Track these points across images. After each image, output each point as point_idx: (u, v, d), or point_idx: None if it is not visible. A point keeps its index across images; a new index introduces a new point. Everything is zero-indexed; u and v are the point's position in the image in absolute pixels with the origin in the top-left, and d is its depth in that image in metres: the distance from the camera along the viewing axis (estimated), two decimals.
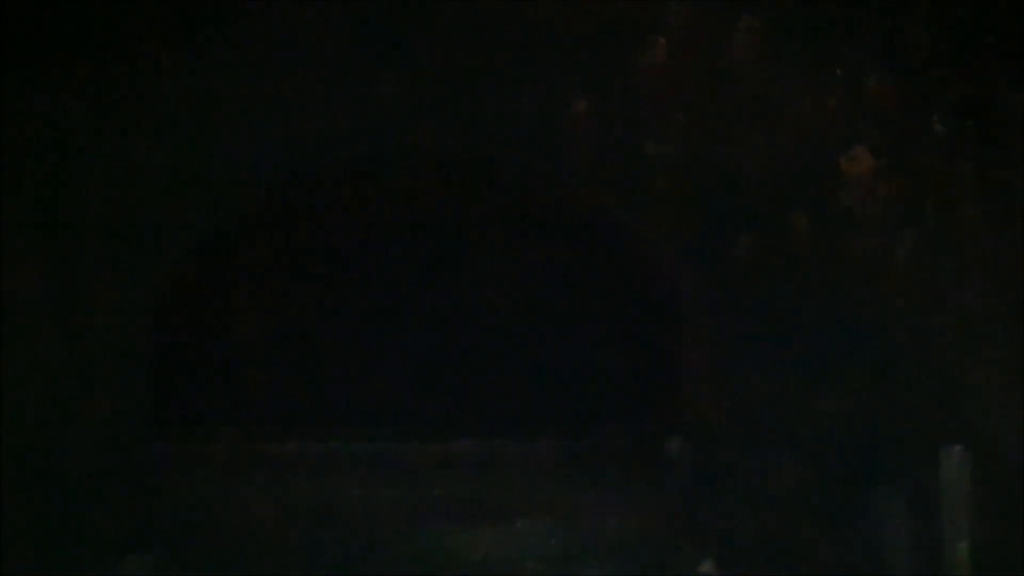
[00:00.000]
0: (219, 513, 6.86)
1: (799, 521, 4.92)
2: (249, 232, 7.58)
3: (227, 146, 6.08)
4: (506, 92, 5.42)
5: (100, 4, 4.43)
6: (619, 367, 7.85)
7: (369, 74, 5.19)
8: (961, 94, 3.18)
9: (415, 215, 7.86)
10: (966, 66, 3.14)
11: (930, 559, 3.62)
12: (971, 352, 3.40)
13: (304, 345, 7.96)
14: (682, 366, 7.10)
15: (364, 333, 7.97)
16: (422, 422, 7.82)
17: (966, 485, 3.45)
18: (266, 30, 4.53)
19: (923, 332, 3.69)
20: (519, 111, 5.54)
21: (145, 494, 6.61)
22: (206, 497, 6.93)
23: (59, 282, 5.30)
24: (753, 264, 5.39)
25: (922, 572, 3.74)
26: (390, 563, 6.57)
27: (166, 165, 5.54)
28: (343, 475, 7.39)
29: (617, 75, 5.03)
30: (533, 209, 7.61)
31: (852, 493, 4.26)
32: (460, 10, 5.17)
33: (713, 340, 6.40)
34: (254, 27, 4.44)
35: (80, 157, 5.02)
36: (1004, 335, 3.19)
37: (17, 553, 4.78)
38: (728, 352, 6.09)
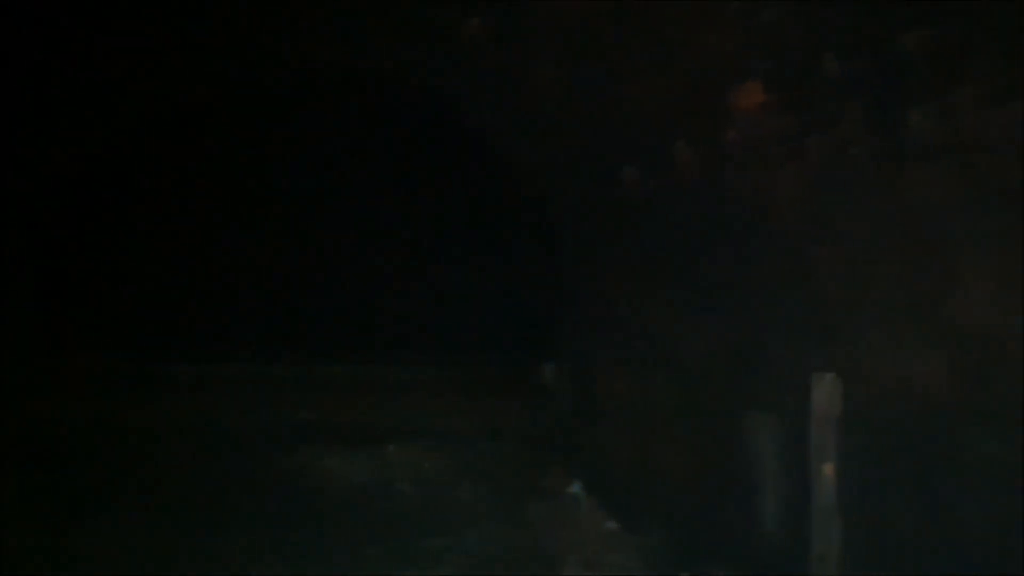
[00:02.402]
0: (99, 431, 6.60)
1: (672, 444, 5.09)
2: (141, 154, 7.16)
3: (124, 69, 5.65)
4: (398, 8, 5.23)
5: None
6: (498, 294, 7.90)
7: None
8: (856, 32, 3.25)
9: (304, 138, 7.59)
10: (863, 3, 3.20)
11: (798, 478, 3.80)
12: (849, 285, 3.54)
13: (186, 268, 7.67)
14: (561, 294, 7.21)
15: (244, 257, 7.73)
16: (298, 346, 7.70)
17: (836, 411, 3.64)
18: None
19: (804, 265, 3.81)
20: (410, 27, 5.38)
21: (24, 411, 6.27)
22: (86, 415, 6.65)
23: None
24: (635, 194, 5.45)
25: (790, 491, 3.93)
26: (266, 482, 6.50)
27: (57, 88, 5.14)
28: (221, 396, 7.23)
29: None
30: (418, 131, 7.47)
31: (726, 417, 4.43)
32: None
33: (592, 269, 6.50)
34: None
35: None
36: (883, 270, 3.33)
37: None
38: (607, 281, 6.20)
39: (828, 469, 3.65)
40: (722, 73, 4.09)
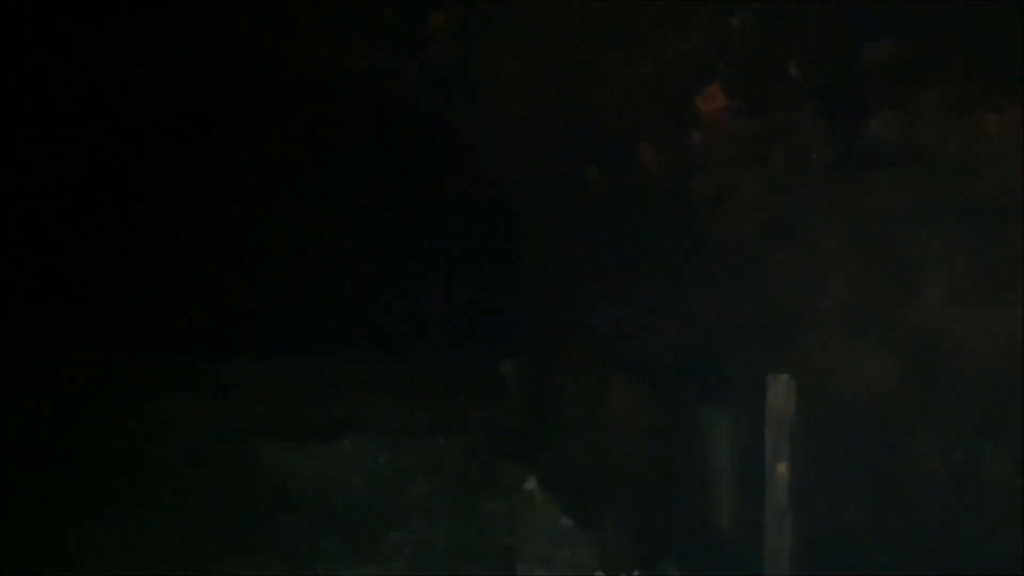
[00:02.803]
0: (41, 430, 6.47)
1: (629, 442, 5.13)
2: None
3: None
4: (361, 3, 5.19)
5: None
6: (459, 290, 7.89)
7: None
8: (818, 40, 3.30)
9: (264, 135, 7.49)
10: (825, 13, 3.26)
11: (752, 477, 3.86)
12: (806, 288, 3.60)
13: (142, 264, 7.53)
14: (521, 292, 7.22)
15: (197, 251, 7.62)
16: (254, 340, 7.61)
17: (790, 411, 3.70)
18: None
19: (762, 267, 3.86)
20: (377, 21, 5.35)
21: None
22: (28, 413, 6.52)
23: None
24: (599, 194, 5.48)
25: (744, 489, 3.99)
26: (219, 479, 6.43)
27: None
28: (171, 392, 7.13)
29: None
30: (382, 128, 7.42)
31: (682, 416, 4.48)
32: None
33: (554, 266, 6.52)
34: None
35: None
36: (840, 273, 3.40)
37: None
38: (567, 279, 6.22)
39: (782, 468, 3.71)
40: (687, 76, 4.13)
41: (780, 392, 3.77)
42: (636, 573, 4.74)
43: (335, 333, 7.55)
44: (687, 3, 3.82)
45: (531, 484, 6.58)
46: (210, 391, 7.15)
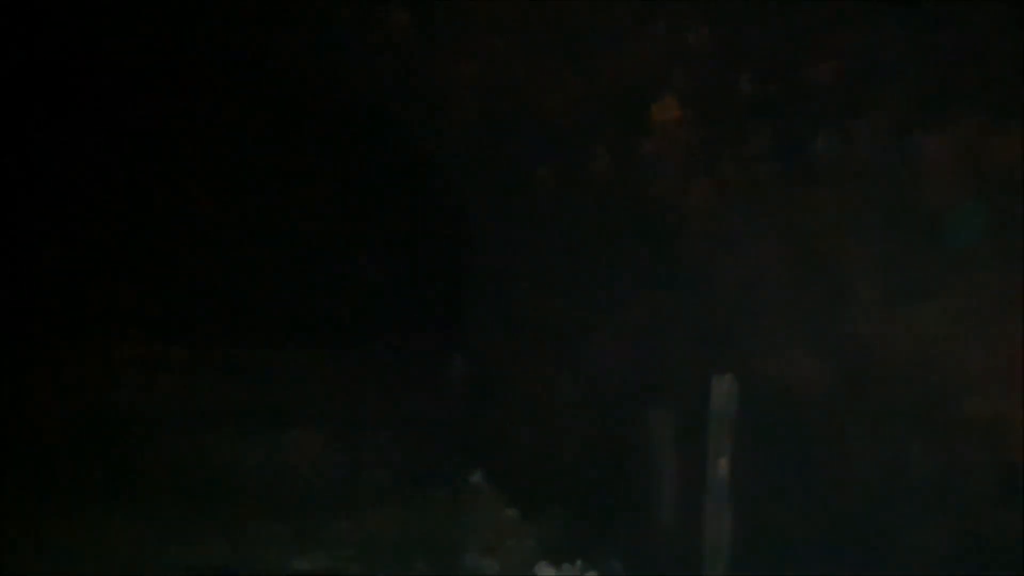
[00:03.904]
0: None
1: (574, 437, 5.27)
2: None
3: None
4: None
5: None
6: (406, 283, 7.94)
7: None
8: (769, 59, 3.47)
9: (221, 126, 7.45)
10: (776, 33, 3.42)
11: (694, 473, 4.02)
12: (749, 293, 3.77)
13: (85, 249, 7.43)
14: (469, 286, 7.31)
15: (145, 236, 7.55)
16: (202, 328, 7.57)
17: (732, 409, 3.87)
18: None
19: (708, 270, 4.03)
20: (335, 18, 5.38)
21: None
22: None
23: None
24: (548, 195, 5.60)
25: (686, 484, 4.15)
26: (168, 467, 6.42)
27: None
28: (123, 378, 7.09)
29: None
30: (331, 120, 7.44)
31: (627, 412, 4.63)
32: None
33: (499, 263, 6.63)
34: None
35: None
36: (780, 279, 3.57)
37: None
38: (513, 275, 6.34)
39: (723, 465, 3.88)
40: (642, 86, 4.27)
41: (723, 391, 3.95)
42: (579, 564, 4.88)
43: (281, 324, 7.56)
44: (645, 15, 3.96)
45: (477, 476, 6.68)
46: (156, 379, 7.13)
